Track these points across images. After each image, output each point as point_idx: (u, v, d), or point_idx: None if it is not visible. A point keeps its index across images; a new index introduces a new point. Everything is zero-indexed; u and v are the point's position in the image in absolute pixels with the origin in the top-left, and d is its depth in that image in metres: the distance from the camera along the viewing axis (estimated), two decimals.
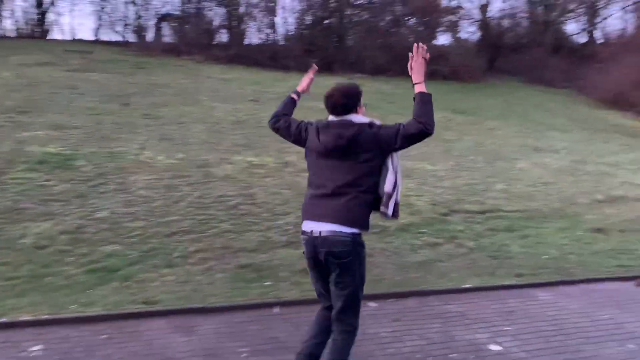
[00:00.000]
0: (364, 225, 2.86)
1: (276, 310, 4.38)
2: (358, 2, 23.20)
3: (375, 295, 4.74)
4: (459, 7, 27.35)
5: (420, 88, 2.92)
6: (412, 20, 24.78)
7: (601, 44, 27.26)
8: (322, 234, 2.81)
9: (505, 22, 28.53)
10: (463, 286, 5.11)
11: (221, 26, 21.98)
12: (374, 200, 2.87)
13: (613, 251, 6.63)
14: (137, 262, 5.23)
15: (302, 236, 2.96)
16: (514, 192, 8.96)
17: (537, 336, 4.07)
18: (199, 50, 20.22)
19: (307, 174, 3.21)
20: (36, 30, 23.92)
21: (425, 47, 3.02)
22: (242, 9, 22.03)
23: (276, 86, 16.60)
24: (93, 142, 8.60)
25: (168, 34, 22.62)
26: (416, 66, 2.98)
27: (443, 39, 26.46)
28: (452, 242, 6.66)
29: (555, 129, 15.63)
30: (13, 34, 24.12)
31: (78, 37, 24.54)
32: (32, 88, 12.07)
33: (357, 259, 2.85)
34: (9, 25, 24.03)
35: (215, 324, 4.10)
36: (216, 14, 22.06)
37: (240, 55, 20.11)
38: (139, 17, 22.85)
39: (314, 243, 2.86)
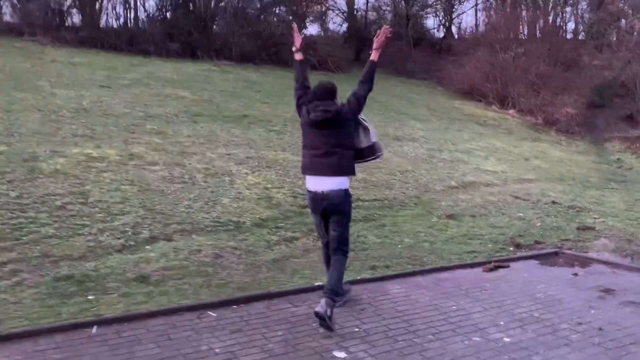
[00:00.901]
0: (351, 172, 4.14)
1: (94, 330, 3.69)
2: None
3: (215, 303, 4.22)
4: None
5: (375, 57, 4.11)
6: (281, 9, 24.40)
7: (457, 39, 28.81)
8: (324, 192, 4.04)
9: (371, 15, 29.21)
10: (315, 284, 4.74)
11: (72, 6, 19.96)
12: (352, 155, 4.10)
13: (464, 237, 6.69)
14: None
15: (307, 193, 4.21)
16: (372, 181, 8.87)
17: (385, 336, 3.80)
18: (45, 32, 18.20)
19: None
20: None
21: (389, 28, 4.24)
22: None
23: (132, 71, 15.37)
24: None
25: (9, 13, 20.15)
26: (381, 41, 4.07)
27: (312, 29, 26.33)
28: (309, 235, 6.32)
29: (415, 119, 16.06)
30: None
31: None
32: None
33: (347, 203, 4.16)
34: None
35: (7, 356, 3.33)
36: None
37: (93, 37, 18.37)
38: None
39: (317, 198, 4.09)
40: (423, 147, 12.17)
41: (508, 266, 5.57)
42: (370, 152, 4.20)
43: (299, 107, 4.22)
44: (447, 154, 11.84)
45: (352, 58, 25.08)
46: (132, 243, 5.43)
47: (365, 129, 4.19)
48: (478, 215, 7.78)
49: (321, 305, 3.82)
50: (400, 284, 4.91)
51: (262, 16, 22.32)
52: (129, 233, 5.61)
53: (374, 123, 13.97)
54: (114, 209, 6.06)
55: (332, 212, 4.10)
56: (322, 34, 26.63)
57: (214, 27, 21.11)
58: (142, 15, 21.24)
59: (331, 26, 27.26)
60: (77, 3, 20.11)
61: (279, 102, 14.40)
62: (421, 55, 26.36)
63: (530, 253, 6.10)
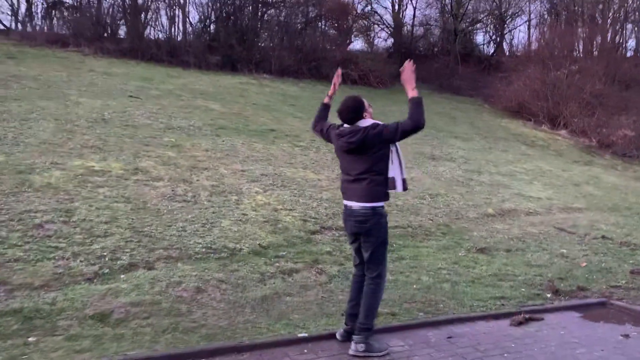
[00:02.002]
0: (382, 198, 3.74)
1: None
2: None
3: (169, 357, 3.45)
4: (372, 13, 26.79)
5: (413, 93, 3.65)
6: (324, 23, 23.84)
7: (507, 55, 27.44)
8: (353, 207, 3.74)
9: (418, 30, 28.27)
10: (298, 335, 3.91)
11: (117, 17, 19.98)
12: (385, 179, 3.71)
13: (493, 277, 5.69)
14: None
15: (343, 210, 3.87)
16: (397, 204, 7.96)
17: None
18: (89, 42, 18.23)
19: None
20: None
21: (412, 61, 3.81)
22: (141, 0, 20.17)
23: (167, 83, 15.05)
24: None
25: (59, 24, 20.38)
26: (408, 76, 3.72)
27: (355, 43, 25.63)
28: (312, 267, 5.50)
29: (456, 137, 15.00)
30: None
31: None
32: None
33: (377, 225, 3.74)
34: None
35: None
36: (112, 5, 20.04)
37: (134, 49, 18.29)
38: (29, 4, 20.48)
39: (345, 212, 3.81)
40: (461, 168, 11.14)
41: (542, 319, 4.57)
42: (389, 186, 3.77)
43: (321, 132, 4.09)
44: (486, 177, 10.77)
45: (395, 73, 24.21)
46: (107, 271, 4.75)
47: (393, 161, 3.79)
48: (514, 250, 6.75)
49: (351, 348, 3.67)
50: (405, 338, 4.00)
51: (304, 30, 21.77)
52: (106, 259, 4.94)
53: (409, 140, 13.01)
54: (97, 229, 5.42)
55: (360, 233, 3.77)
56: (368, 49, 25.86)
57: (256, 40, 20.66)
58: (187, 28, 21.07)
59: (376, 41, 26.44)
60: (122, 15, 20.11)
61: (312, 116, 13.63)
62: (468, 72, 25.20)
63: (570, 303, 5.05)
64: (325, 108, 4.19)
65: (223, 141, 9.78)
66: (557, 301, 5.09)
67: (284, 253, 5.76)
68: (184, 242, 5.54)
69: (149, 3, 20.51)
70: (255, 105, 14.03)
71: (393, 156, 3.71)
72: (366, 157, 3.67)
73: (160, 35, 20.26)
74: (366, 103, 3.84)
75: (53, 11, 20.65)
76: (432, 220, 7.63)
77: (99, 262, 4.86)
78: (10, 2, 20.22)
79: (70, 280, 4.51)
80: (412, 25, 27.86)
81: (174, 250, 5.32)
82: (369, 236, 3.73)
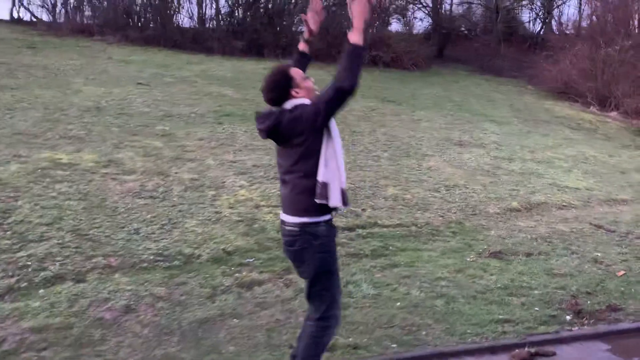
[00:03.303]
0: (312, 211, 2.64)
1: None
2: None
3: None
4: None
5: (355, 37, 2.55)
6: None
7: (555, 32, 25.39)
8: (283, 222, 2.77)
9: (458, 9, 26.57)
10: None
11: (141, 5, 19.44)
12: (313, 185, 2.61)
13: (503, 291, 4.58)
14: None
15: None
16: (406, 198, 6.88)
17: None
18: (114, 31, 17.77)
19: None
20: None
21: None
22: None
23: (184, 70, 14.31)
24: None
25: (86, 14, 20.04)
26: (357, 7, 2.55)
27: (389, 24, 24.24)
28: (280, 279, 4.55)
29: (491, 121, 13.60)
30: None
31: None
32: None
33: (309, 249, 2.65)
34: None
35: None
36: None
37: (157, 36, 17.70)
38: None
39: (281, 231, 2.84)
40: (489, 155, 9.87)
41: (553, 353, 3.48)
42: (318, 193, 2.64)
43: None
44: (518, 164, 9.47)
45: (433, 55, 22.76)
46: (24, 285, 3.96)
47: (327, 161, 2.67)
48: (535, 254, 5.58)
49: None
50: None
51: (332, 11, 20.61)
52: (29, 269, 4.15)
53: (438, 124, 11.62)
54: (32, 233, 4.64)
55: (292, 259, 2.83)
56: (405, 30, 24.46)
57: (284, 24, 19.69)
58: (212, 13, 20.35)
59: (412, 21, 24.96)
60: (148, 2, 19.55)
61: None
62: (511, 52, 23.41)
63: (596, 329, 3.91)
64: (300, 59, 3.11)
65: (223, 129, 8.92)
66: (578, 326, 3.95)
67: (251, 260, 4.83)
68: (132, 247, 4.70)
69: None
70: None
71: (327, 153, 2.64)
72: (289, 151, 2.72)
73: (186, 22, 19.64)
74: (298, 76, 2.81)
75: (82, 1, 20.35)
76: (442, 216, 6.52)
77: (18, 274, 4.07)
78: None
79: None
80: (451, 4, 26.18)
81: (115, 258, 4.49)
82: (301, 263, 2.76)
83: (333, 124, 2.70)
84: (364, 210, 6.30)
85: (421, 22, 26.26)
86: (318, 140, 2.64)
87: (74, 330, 3.51)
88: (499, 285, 4.68)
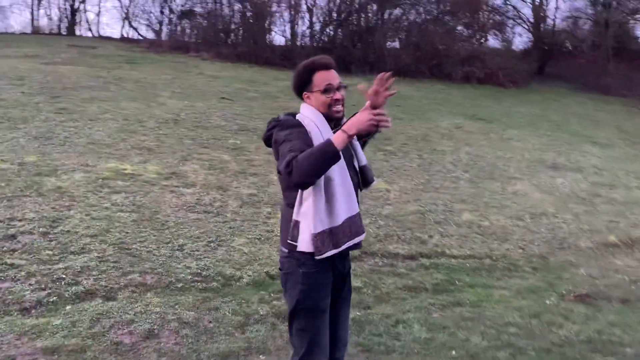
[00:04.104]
0: (291, 243, 2.20)
1: None
2: None
3: None
4: (507, 7, 23.98)
5: (337, 139, 2.01)
6: (450, 19, 21.72)
7: None
8: None
9: (562, 23, 24.78)
10: None
11: (236, 23, 19.92)
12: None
13: (588, 345, 3.77)
14: None
15: None
16: (482, 226, 6.14)
17: None
18: (208, 48, 18.33)
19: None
20: (65, 28, 23.09)
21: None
22: (260, 6, 19.89)
23: (270, 85, 14.32)
24: None
25: (186, 32, 20.91)
26: (361, 117, 2.07)
27: (484, 39, 23.07)
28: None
29: (594, 143, 12.28)
30: (46, 31, 23.45)
31: (106, 35, 23.52)
32: None
33: (294, 274, 2.24)
34: (44, 23, 23.36)
35: None
36: (233, 11, 20.04)
37: (249, 53, 17.99)
38: (162, 14, 21.36)
39: None
40: (587, 181, 8.77)
41: None
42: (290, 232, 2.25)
43: None
44: (620, 192, 8.31)
45: (532, 71, 21.32)
46: (53, 299, 3.77)
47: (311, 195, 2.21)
48: (633, 301, 4.64)
49: None
50: None
51: (425, 27, 19.94)
52: (62, 283, 3.97)
53: (530, 145, 10.56)
54: (75, 244, 4.50)
55: (281, 284, 2.42)
56: (503, 45, 23.20)
57: (372, 41, 19.32)
58: (303, 30, 20.46)
59: (510, 37, 23.60)
60: (242, 20, 20.02)
61: (415, 118, 12.04)
62: (621, 68, 21.38)
63: None
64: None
65: None
66: None
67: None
68: (171, 265, 4.42)
69: (271, 8, 20.19)
70: (353, 107, 12.67)
71: (315, 184, 2.12)
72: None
73: (278, 40, 19.87)
74: (319, 79, 2.28)
75: (183, 20, 21.26)
76: (523, 249, 5.70)
77: (50, 288, 3.90)
78: (147, 13, 21.23)
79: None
80: (554, 19, 24.49)
81: (152, 276, 4.22)
82: (285, 291, 2.34)
83: None
84: (430, 236, 5.65)
85: (520, 37, 24.68)
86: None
87: (87, 354, 3.23)
88: (581, 338, 3.86)
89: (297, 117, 2.32)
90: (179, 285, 4.16)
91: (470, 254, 5.39)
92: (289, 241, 2.22)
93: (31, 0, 22.69)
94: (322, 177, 2.10)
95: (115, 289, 3.99)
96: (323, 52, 18.18)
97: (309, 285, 2.22)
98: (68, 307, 3.72)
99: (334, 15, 20.02)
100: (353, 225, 2.21)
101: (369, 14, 20.07)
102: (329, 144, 2.00)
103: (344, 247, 2.18)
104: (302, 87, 2.30)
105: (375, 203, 6.43)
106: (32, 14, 23.03)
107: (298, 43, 19.53)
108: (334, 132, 2.10)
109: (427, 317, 4.06)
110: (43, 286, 3.91)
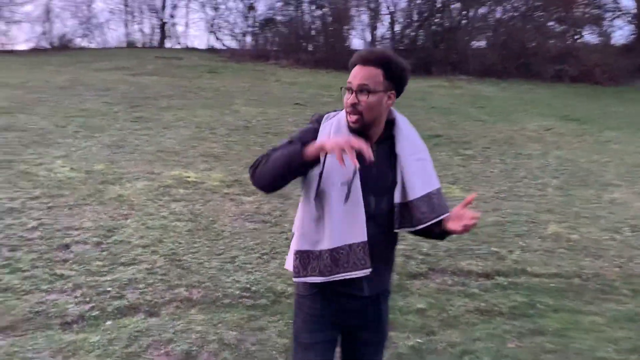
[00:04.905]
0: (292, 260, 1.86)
1: None
2: None
3: None
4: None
5: (310, 148, 1.67)
6: (541, 15, 20.29)
7: None
8: None
9: None
10: None
11: (315, 29, 19.82)
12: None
13: None
14: None
15: None
16: (572, 239, 5.38)
17: None
18: (288, 55, 18.35)
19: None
20: (154, 40, 24.15)
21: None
22: (340, 11, 19.64)
23: None
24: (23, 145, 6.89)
25: (267, 40, 21.12)
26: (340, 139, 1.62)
27: (579, 35, 21.32)
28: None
29: None
30: (138, 45, 24.67)
31: (193, 46, 24.31)
32: (56, 89, 10.99)
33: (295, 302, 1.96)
34: (137, 37, 24.62)
35: None
36: (313, 17, 19.96)
37: (327, 58, 17.78)
38: (246, 24, 21.74)
39: None
40: None
41: None
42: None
43: None
44: None
45: (635, 67, 19.39)
46: (95, 314, 3.61)
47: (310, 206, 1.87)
48: None
49: None
50: None
51: (512, 25, 18.75)
52: (107, 296, 3.81)
53: (632, 148, 9.58)
54: (127, 255, 4.37)
55: None
56: (600, 40, 21.37)
57: (454, 41, 18.45)
58: (383, 33, 19.98)
59: (609, 31, 21.65)
60: (322, 26, 19.89)
61: (499, 120, 11.21)
62: None
63: None
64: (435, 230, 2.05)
65: None
66: None
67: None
68: (220, 278, 4.15)
69: (351, 12, 19.91)
70: (433, 109, 12.07)
71: (302, 201, 1.85)
72: None
73: (357, 44, 19.53)
74: (359, 75, 1.84)
75: (265, 28, 21.49)
76: (620, 267, 4.90)
77: (95, 301, 3.75)
78: (230, 23, 21.69)
79: (41, 324, 3.46)
80: None
81: (198, 290, 3.97)
82: None
83: (311, 173, 1.79)
84: (510, 251, 5.01)
85: (621, 30, 22.64)
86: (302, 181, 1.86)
87: None
88: None
89: (325, 114, 1.93)
90: (226, 301, 3.87)
91: (555, 272, 4.69)
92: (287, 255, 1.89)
93: (125, 16, 23.94)
94: (312, 184, 1.74)
95: (159, 304, 3.77)
96: (400, 53, 17.73)
97: (296, 310, 1.95)
98: (108, 323, 3.54)
99: (415, 16, 19.36)
100: (352, 254, 1.77)
101: (452, 14, 19.19)
102: (297, 149, 1.67)
103: (333, 277, 1.76)
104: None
105: None
106: (126, 28, 24.30)
107: (378, 46, 19.03)
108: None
109: (501, 348, 3.48)
110: (87, 299, 3.76)
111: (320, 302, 1.87)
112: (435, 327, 3.72)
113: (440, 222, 1.82)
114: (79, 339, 3.33)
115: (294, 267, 1.82)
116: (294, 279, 1.84)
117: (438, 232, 1.86)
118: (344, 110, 1.90)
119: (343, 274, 1.78)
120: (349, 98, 1.80)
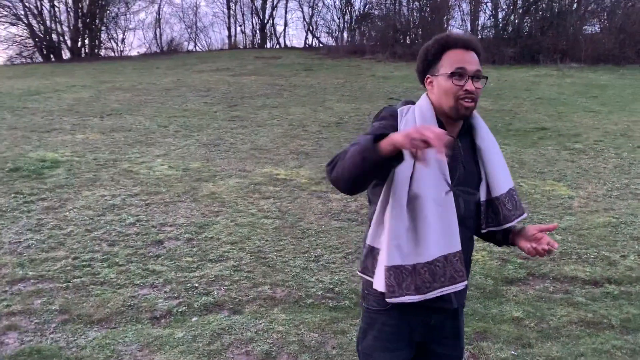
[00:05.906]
0: (369, 268, 1.67)
1: None
2: None
3: None
4: None
5: (387, 140, 1.39)
6: None
7: None
8: None
9: None
10: None
11: (413, 21, 19.35)
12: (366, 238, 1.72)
13: None
14: None
15: None
16: None
17: None
18: (384, 49, 18.08)
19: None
20: (255, 41, 24.89)
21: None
22: (439, 1, 19.02)
23: None
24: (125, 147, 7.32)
25: (363, 35, 20.98)
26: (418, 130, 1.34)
27: None
28: (469, 346, 3.35)
29: None
30: (240, 46, 25.59)
31: (292, 45, 24.79)
32: (161, 91, 11.62)
33: (365, 317, 1.75)
34: (239, 38, 25.55)
35: None
36: (410, 9, 19.51)
37: None
38: (343, 21, 21.79)
39: None
40: None
41: None
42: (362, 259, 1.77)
43: None
44: None
45: None
46: (182, 309, 3.70)
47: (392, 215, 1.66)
48: None
49: None
50: None
51: (632, 6, 17.06)
52: (194, 292, 3.89)
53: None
54: (215, 252, 4.45)
55: None
56: None
57: (565, 27, 17.14)
58: (484, 22, 19.07)
59: None
60: (419, 18, 19.40)
61: (614, 110, 10.25)
62: None
63: None
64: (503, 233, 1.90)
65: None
66: None
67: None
68: (304, 277, 4.09)
69: (449, 2, 19.22)
70: (539, 100, 11.28)
71: (382, 210, 1.63)
72: None
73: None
74: (449, 59, 1.65)
75: (361, 24, 21.36)
76: None
77: (182, 297, 3.84)
78: (327, 21, 21.77)
79: (132, 317, 3.60)
80: None
81: (282, 289, 3.94)
82: None
83: (400, 175, 1.59)
84: (623, 256, 4.48)
85: None
86: (379, 186, 1.64)
87: None
88: None
89: (399, 107, 1.75)
90: (308, 301, 3.81)
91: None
92: (359, 273, 1.71)
93: (228, 19, 24.92)
94: (403, 188, 1.53)
95: (244, 302, 3.79)
96: (504, 42, 16.69)
97: (365, 325, 1.73)
98: (194, 319, 3.61)
99: (519, 2, 18.26)
100: (449, 266, 1.57)
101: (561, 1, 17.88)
102: (370, 143, 1.42)
103: (430, 294, 1.56)
104: (426, 67, 1.71)
105: (552, 213, 5.38)
106: (228, 30, 25.29)
107: (479, 36, 18.19)
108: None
109: None
110: (176, 294, 3.87)
111: (397, 317, 1.69)
112: (532, 339, 3.40)
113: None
114: (165, 334, 3.42)
115: (388, 285, 1.59)
116: (388, 300, 1.61)
117: (500, 238, 1.74)
118: (421, 100, 1.72)
119: (441, 289, 1.60)
120: (467, 84, 1.60)
